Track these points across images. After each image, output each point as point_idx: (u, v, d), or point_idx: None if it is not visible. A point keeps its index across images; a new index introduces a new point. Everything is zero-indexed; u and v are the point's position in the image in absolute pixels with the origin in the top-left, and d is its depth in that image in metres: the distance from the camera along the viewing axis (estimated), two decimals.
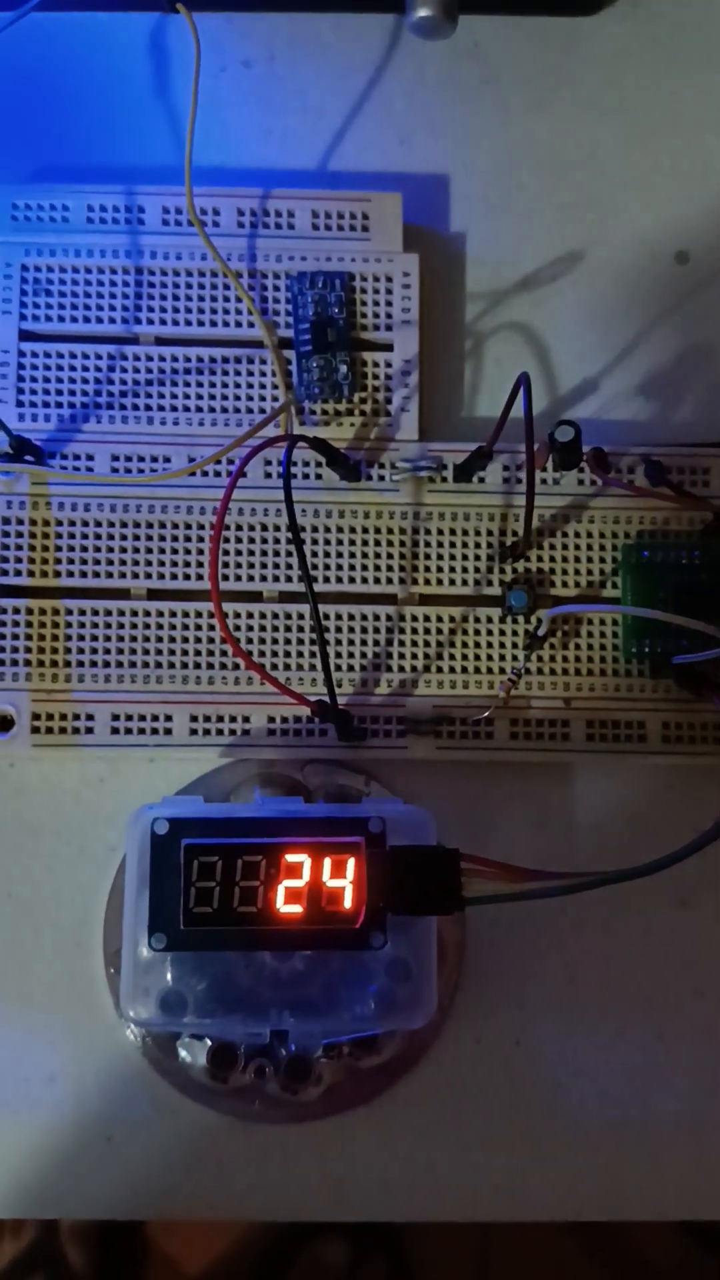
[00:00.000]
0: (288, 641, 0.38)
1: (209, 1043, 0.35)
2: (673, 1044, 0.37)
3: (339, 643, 0.38)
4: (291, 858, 0.32)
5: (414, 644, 0.38)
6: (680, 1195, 0.37)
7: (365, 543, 0.38)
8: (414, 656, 0.38)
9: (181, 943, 0.32)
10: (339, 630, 0.38)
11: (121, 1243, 0.78)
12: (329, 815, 0.33)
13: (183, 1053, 0.36)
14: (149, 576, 0.38)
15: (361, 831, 0.32)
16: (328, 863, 0.32)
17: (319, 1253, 0.77)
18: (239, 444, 0.35)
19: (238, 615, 0.37)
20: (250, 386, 0.38)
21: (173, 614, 0.37)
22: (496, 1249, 0.78)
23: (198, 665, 0.37)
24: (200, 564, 0.38)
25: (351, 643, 0.38)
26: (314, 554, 0.38)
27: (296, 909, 0.32)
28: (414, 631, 0.38)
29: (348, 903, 0.32)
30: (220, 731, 0.37)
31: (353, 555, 0.38)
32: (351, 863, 0.32)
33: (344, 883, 0.32)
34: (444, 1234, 0.78)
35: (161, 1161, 0.37)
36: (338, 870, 0.32)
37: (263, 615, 0.38)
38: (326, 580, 0.38)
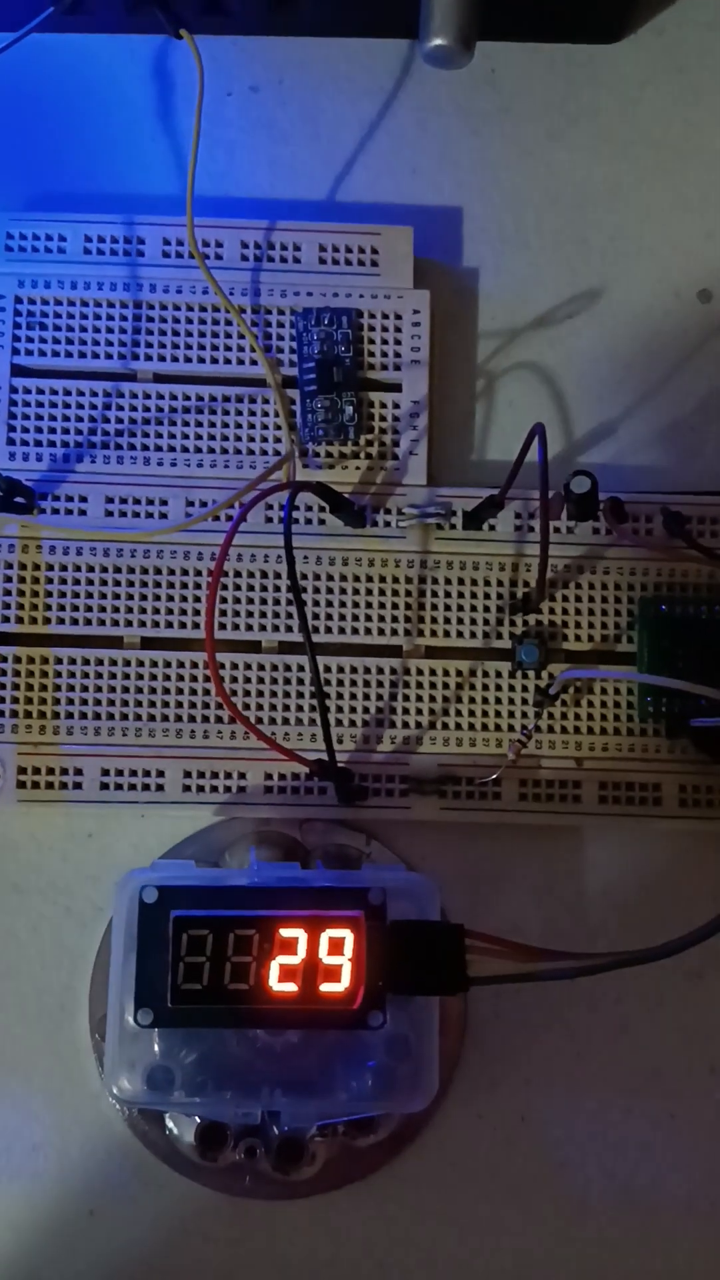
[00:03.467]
0: (287, 695, 0.36)
1: (197, 1119, 0.34)
2: (685, 1123, 0.36)
3: (340, 696, 0.36)
4: (286, 932, 0.30)
5: (419, 699, 0.36)
6: None
7: (370, 592, 0.36)
8: (419, 712, 0.36)
9: (169, 1020, 0.30)
10: (341, 684, 0.36)
11: None
12: (327, 885, 0.31)
13: (170, 1124, 0.35)
14: (143, 624, 0.36)
15: (361, 903, 0.31)
16: (324, 938, 0.30)
17: None
18: (239, 498, 0.34)
19: (235, 666, 0.36)
20: (252, 427, 0.37)
21: (167, 664, 0.36)
22: None
23: (193, 719, 0.36)
24: (197, 612, 0.36)
25: (354, 697, 0.36)
26: (316, 603, 0.36)
27: (291, 987, 0.30)
28: (419, 686, 0.36)
29: (345, 981, 0.30)
30: (215, 789, 0.36)
31: (356, 605, 0.36)
32: (350, 938, 0.30)
33: (341, 960, 0.30)
34: None
35: (145, 1236, 0.35)
36: (335, 947, 0.30)
37: (261, 667, 0.36)
38: (328, 631, 0.36)
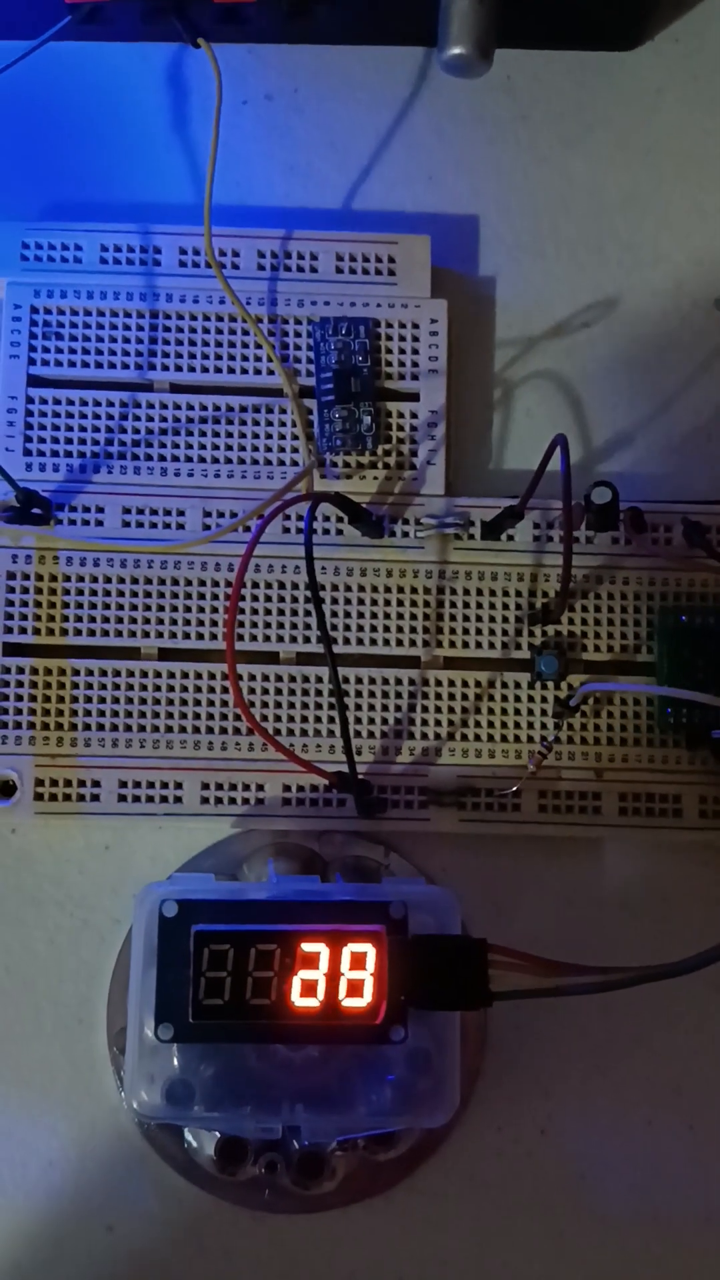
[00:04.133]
0: (305, 705, 0.36)
1: (216, 1133, 0.34)
2: (706, 1137, 0.36)
3: (359, 708, 0.36)
4: (308, 947, 0.30)
5: (438, 710, 0.36)
6: None
7: (388, 603, 0.36)
8: (438, 723, 0.36)
9: (190, 1035, 0.30)
10: (359, 694, 0.36)
11: None
12: (348, 899, 0.31)
13: (189, 1138, 0.34)
14: (160, 635, 0.36)
15: (382, 917, 0.30)
16: (346, 953, 0.30)
17: None
18: (260, 511, 0.34)
19: (253, 678, 0.36)
20: (269, 437, 0.37)
21: (185, 675, 0.36)
22: None
23: (210, 730, 0.35)
24: (215, 623, 0.36)
25: (372, 708, 0.36)
26: (334, 614, 0.36)
27: (312, 1002, 0.30)
28: (438, 697, 0.36)
29: (367, 996, 0.30)
30: (233, 800, 0.35)
31: (374, 616, 0.36)
32: (372, 953, 0.30)
33: (363, 974, 0.30)
34: None
35: (164, 1252, 0.35)
36: (357, 961, 0.30)
37: (279, 678, 0.36)
38: (347, 642, 0.36)
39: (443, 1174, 0.35)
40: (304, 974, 0.30)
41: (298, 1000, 0.30)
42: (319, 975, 0.30)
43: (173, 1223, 0.35)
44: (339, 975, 0.30)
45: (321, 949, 0.30)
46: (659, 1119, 0.36)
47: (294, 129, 0.40)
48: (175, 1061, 0.31)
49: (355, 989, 0.30)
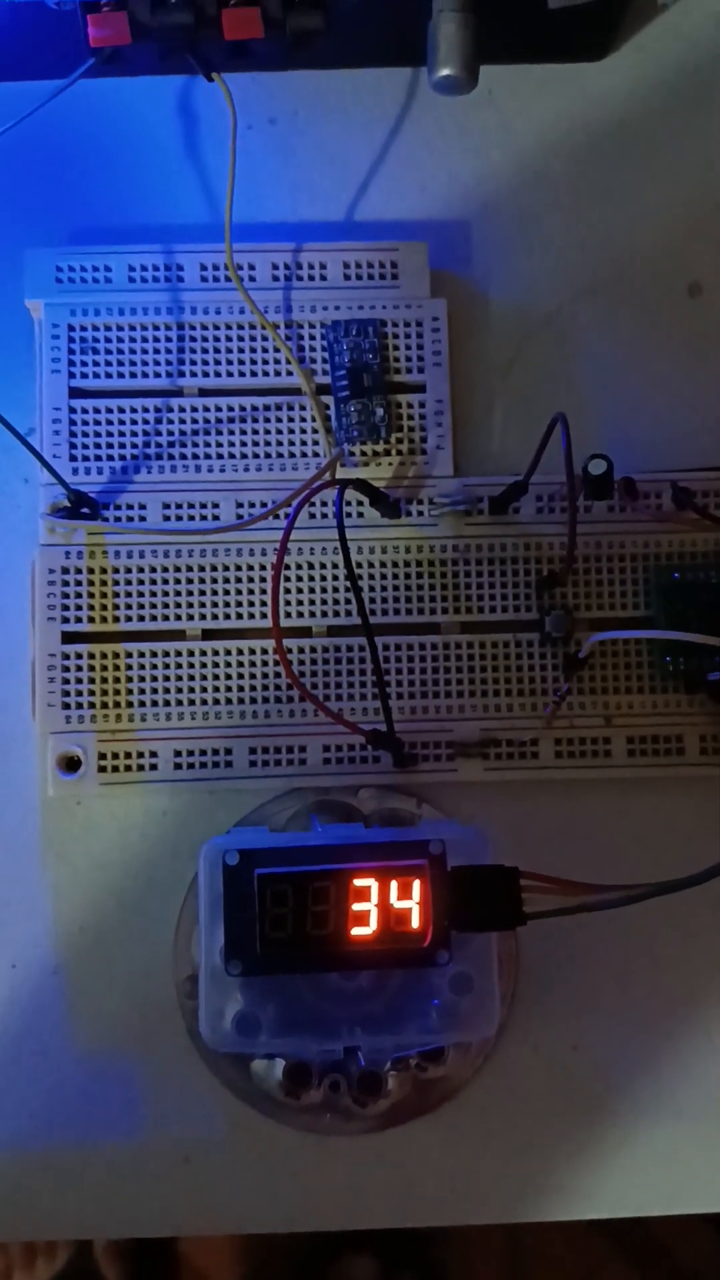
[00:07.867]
0: (337, 674, 0.39)
1: (280, 1063, 0.37)
2: None
3: (387, 672, 0.39)
4: (359, 882, 0.34)
5: (459, 670, 0.39)
6: None
7: (408, 576, 0.40)
8: (459, 683, 0.39)
9: (258, 968, 0.33)
10: (386, 660, 0.39)
11: (155, 1257, 0.79)
12: (390, 839, 0.35)
13: (255, 1070, 0.38)
14: (203, 618, 0.39)
15: (423, 854, 0.34)
16: (394, 885, 0.34)
17: (346, 1271, 0.78)
18: (296, 496, 0.37)
19: (289, 650, 0.39)
20: (292, 432, 0.40)
21: (227, 652, 0.39)
22: (528, 1251, 0.80)
23: (254, 700, 0.39)
24: (251, 604, 0.39)
25: (399, 671, 0.39)
26: (360, 588, 0.39)
27: (365, 931, 0.33)
28: (458, 659, 0.39)
29: (415, 923, 0.33)
30: (278, 762, 0.39)
31: (396, 588, 0.40)
32: (417, 884, 0.34)
33: (410, 904, 0.33)
34: (473, 1241, 0.79)
35: (237, 1178, 0.38)
36: (404, 892, 0.33)
37: (313, 650, 0.39)
38: (372, 613, 0.39)
39: (486, 1091, 0.38)
40: (357, 906, 0.33)
41: (353, 930, 0.33)
42: (370, 907, 0.33)
43: (242, 1151, 0.38)
44: (389, 906, 0.33)
45: (371, 883, 0.33)
46: (677, 1030, 0.39)
47: (296, 150, 0.43)
48: (243, 999, 0.34)
49: (403, 917, 0.33)
